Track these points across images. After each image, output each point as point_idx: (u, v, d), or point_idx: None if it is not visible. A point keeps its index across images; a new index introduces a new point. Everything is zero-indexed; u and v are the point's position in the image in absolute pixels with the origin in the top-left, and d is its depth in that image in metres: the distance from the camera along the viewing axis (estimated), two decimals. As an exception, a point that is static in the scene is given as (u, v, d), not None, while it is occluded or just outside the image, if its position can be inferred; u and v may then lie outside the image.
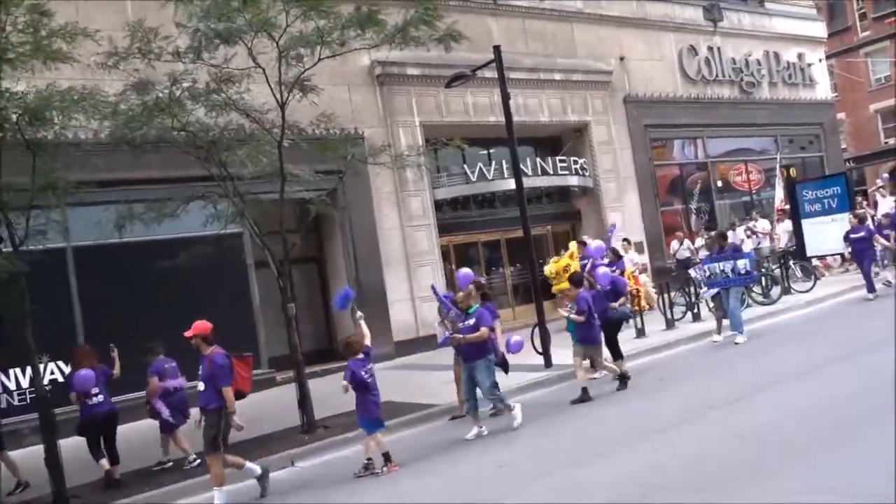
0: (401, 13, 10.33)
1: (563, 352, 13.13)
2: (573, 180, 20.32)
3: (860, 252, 15.00)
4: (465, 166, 18.66)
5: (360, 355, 8.32)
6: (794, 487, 5.44)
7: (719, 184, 24.66)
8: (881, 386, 8.01)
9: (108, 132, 10.17)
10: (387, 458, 8.01)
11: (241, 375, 7.94)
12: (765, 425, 7.30)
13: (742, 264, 12.64)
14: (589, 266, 12.29)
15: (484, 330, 8.96)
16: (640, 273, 17.70)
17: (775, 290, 16.23)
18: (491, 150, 19.78)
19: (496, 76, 13.34)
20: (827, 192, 17.73)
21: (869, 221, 16.45)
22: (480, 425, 8.99)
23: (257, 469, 7.98)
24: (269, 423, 10.91)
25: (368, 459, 8.05)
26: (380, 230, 17.03)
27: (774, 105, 25.83)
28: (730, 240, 18.45)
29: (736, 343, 12.39)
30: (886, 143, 43.85)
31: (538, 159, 19.72)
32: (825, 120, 27.91)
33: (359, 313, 8.95)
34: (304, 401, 10.15)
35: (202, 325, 7.86)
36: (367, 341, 8.56)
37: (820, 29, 28.77)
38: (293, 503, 7.63)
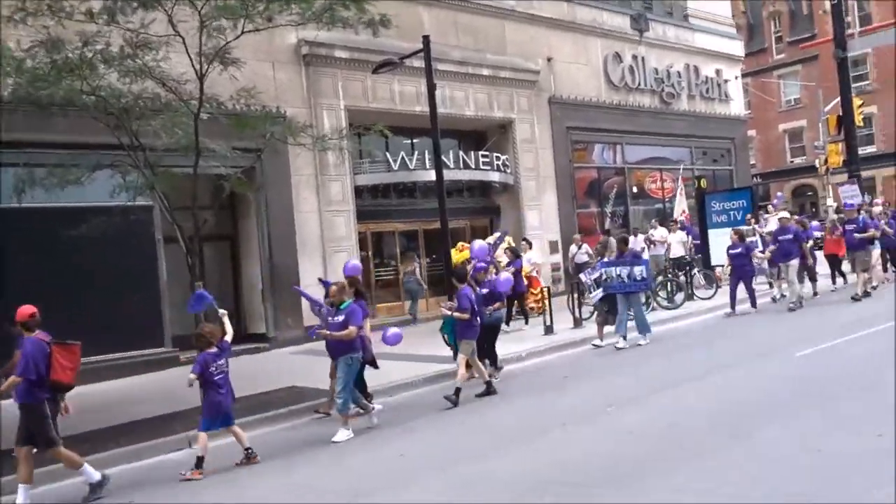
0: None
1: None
2: (494, 176, 20.46)
3: (739, 268, 15.22)
4: (388, 154, 18.53)
5: (214, 349, 7.92)
6: (688, 486, 5.61)
7: (634, 189, 25.28)
8: (771, 390, 8.37)
9: (11, 90, 9.62)
10: (199, 462, 7.60)
11: (60, 364, 7.25)
12: (661, 424, 7.49)
13: (639, 271, 12.65)
14: (471, 268, 11.47)
15: (352, 328, 8.64)
16: (536, 274, 17.70)
17: (679, 296, 16.72)
18: (415, 140, 19.72)
19: (424, 66, 13.28)
20: (733, 205, 18.40)
21: (754, 238, 17.03)
22: (373, 421, 8.86)
23: (95, 476, 7.37)
24: (171, 403, 10.59)
25: (198, 457, 7.68)
26: (297, 213, 16.74)
27: (691, 117, 26.64)
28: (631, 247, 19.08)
29: (639, 344, 12.59)
30: (792, 161, 45.95)
31: (461, 153, 19.76)
32: (737, 135, 28.97)
33: (221, 311, 8.62)
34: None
35: (21, 311, 7.20)
36: (228, 337, 8.20)
37: (738, 48, 29.81)
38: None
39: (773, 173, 45.99)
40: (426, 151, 18.31)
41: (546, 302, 14.62)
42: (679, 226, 20.10)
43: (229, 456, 8.02)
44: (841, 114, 22.37)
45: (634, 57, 24.94)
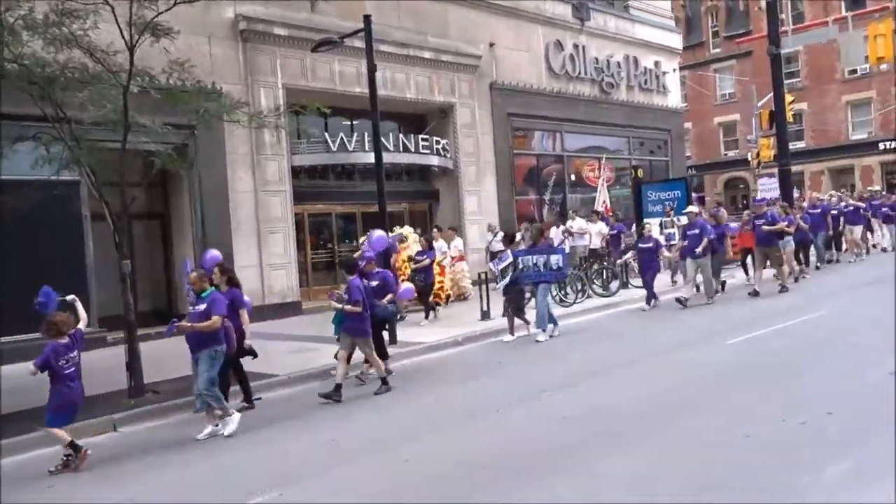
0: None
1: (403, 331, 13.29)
2: (434, 160, 20.40)
3: (646, 262, 15.01)
4: (327, 135, 18.28)
5: (66, 339, 7.32)
6: (611, 469, 5.68)
7: (573, 178, 25.53)
8: (696, 378, 8.55)
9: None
10: (74, 448, 7.15)
11: None
12: (591, 410, 7.58)
13: (555, 260, 12.38)
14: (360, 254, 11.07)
15: (215, 319, 7.98)
16: (457, 262, 17.57)
17: (614, 284, 16.95)
18: (354, 122, 19.52)
19: (365, 47, 13.09)
20: (668, 195, 18.77)
21: (672, 230, 17.12)
22: (216, 423, 8.03)
23: None
24: (96, 384, 10.18)
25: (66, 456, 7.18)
26: (232, 192, 16.40)
27: (629, 108, 27.01)
28: (552, 237, 18.90)
29: (537, 341, 12.02)
30: (726, 154, 47.06)
31: (401, 136, 19.65)
32: (673, 127, 29.52)
33: (69, 297, 8.03)
34: (132, 363, 9.60)
35: None
36: (82, 325, 7.66)
37: (677, 41, 30.32)
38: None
39: (707, 165, 47.03)
40: (366, 133, 18.13)
41: (482, 287, 14.60)
42: (599, 217, 20.15)
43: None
44: (773, 109, 22.92)
45: (575, 46, 25.12)
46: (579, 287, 16.03)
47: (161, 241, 16.96)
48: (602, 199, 21.97)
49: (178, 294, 16.55)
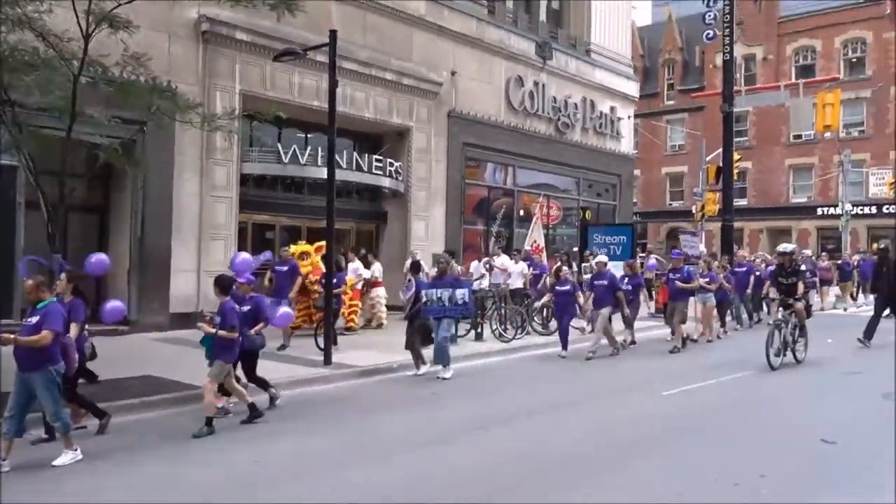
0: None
1: (346, 352, 13.08)
2: (386, 182, 20.31)
3: (562, 306, 14.39)
4: (280, 145, 18.05)
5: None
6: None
7: (521, 213, 25.70)
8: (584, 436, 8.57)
9: None
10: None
11: None
12: (498, 461, 7.52)
13: (461, 294, 11.82)
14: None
15: (46, 333, 6.98)
16: (374, 288, 17.28)
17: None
18: (309, 135, 19.32)
19: (328, 61, 12.98)
20: (614, 240, 19.03)
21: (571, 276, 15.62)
22: (74, 447, 7.21)
23: None
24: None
25: None
26: (176, 193, 16.00)
27: (583, 149, 27.39)
28: (471, 271, 18.47)
29: (442, 378, 11.59)
30: (671, 204, 48.15)
31: (355, 154, 19.52)
32: (624, 172, 30.03)
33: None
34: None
35: None
36: None
37: (634, 89, 30.97)
38: None
39: (651, 213, 48.02)
40: (319, 148, 17.95)
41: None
42: (522, 256, 19.28)
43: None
44: (721, 165, 23.54)
45: (536, 83, 25.43)
46: (519, 323, 16.04)
47: (97, 236, 16.40)
48: (533, 238, 21.16)
49: (111, 292, 16.04)
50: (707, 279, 15.84)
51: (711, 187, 27.13)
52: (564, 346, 14.13)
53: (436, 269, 12.79)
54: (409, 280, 12.88)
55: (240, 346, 8.72)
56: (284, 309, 10.57)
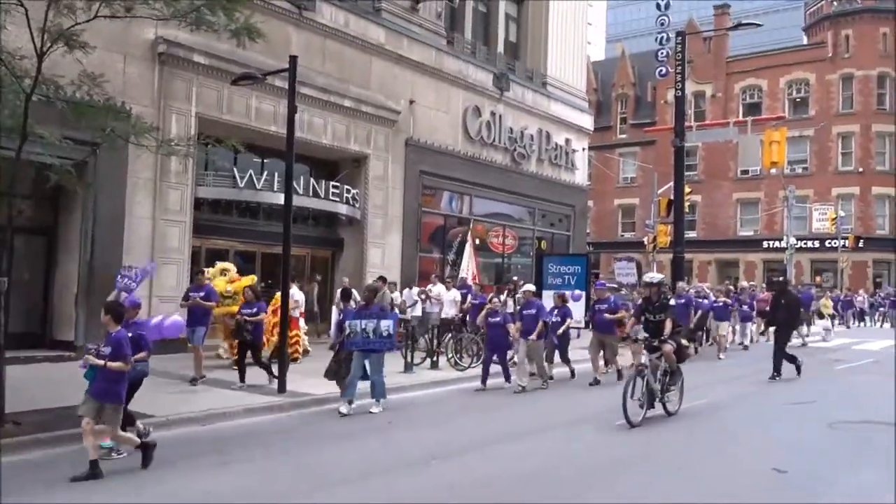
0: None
1: (302, 379, 12.86)
2: (342, 208, 20.21)
3: (493, 338, 13.71)
4: (235, 170, 17.86)
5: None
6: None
7: (477, 241, 25.77)
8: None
9: None
10: None
11: None
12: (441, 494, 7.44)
13: (385, 326, 10.92)
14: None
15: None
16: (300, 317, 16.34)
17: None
18: (265, 160, 19.15)
19: (286, 86, 12.93)
20: (569, 269, 19.15)
21: (506, 308, 15.11)
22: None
23: None
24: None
25: None
26: (128, 216, 15.66)
27: (538, 180, 27.69)
28: (403, 298, 18.23)
29: (371, 412, 10.88)
30: (622, 235, 48.91)
31: (311, 180, 19.40)
32: (578, 203, 30.42)
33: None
34: (-3, 388, 8.83)
35: None
36: None
37: (588, 121, 31.50)
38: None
39: (604, 244, 48.69)
40: (276, 173, 17.81)
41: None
42: (457, 284, 19.16)
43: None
44: (672, 198, 23.97)
45: (493, 114, 25.69)
46: (475, 351, 15.97)
47: (44, 258, 15.95)
48: (470, 268, 20.79)
49: (57, 316, 15.60)
50: (625, 309, 15.46)
51: (663, 219, 27.64)
52: (483, 380, 13.46)
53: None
54: (341, 309, 12.25)
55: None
56: (174, 317, 9.90)
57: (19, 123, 9.12)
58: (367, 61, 21.15)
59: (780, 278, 17.37)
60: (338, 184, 20.11)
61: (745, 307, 22.17)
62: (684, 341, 10.72)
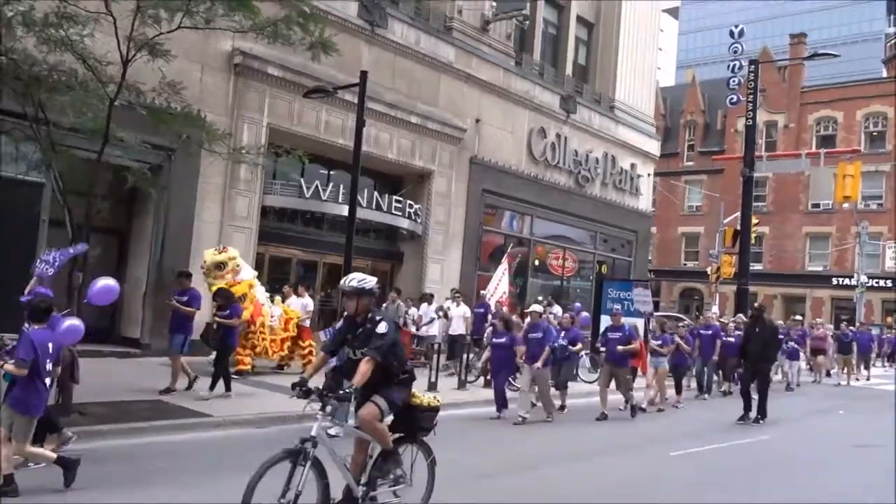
0: (277, 8, 9.98)
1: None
2: (404, 223, 20.42)
3: (500, 360, 12.51)
4: (302, 180, 18.24)
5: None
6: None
7: (536, 262, 25.72)
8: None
9: None
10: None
11: None
12: None
13: None
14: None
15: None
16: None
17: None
18: (332, 172, 19.51)
19: (356, 100, 13.20)
20: (629, 295, 18.88)
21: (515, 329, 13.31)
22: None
23: None
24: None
25: None
26: (197, 221, 16.15)
27: (601, 203, 27.50)
28: (421, 313, 17.18)
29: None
30: (685, 264, 48.05)
31: (375, 193, 19.68)
32: (641, 229, 30.08)
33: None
34: (64, 379, 9.15)
35: None
36: None
37: (655, 147, 31.19)
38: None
39: (666, 272, 47.92)
40: (341, 185, 18.13)
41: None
42: (475, 304, 18.04)
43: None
44: (738, 228, 23.54)
45: (558, 135, 25.66)
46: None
47: (116, 257, 16.52)
48: (502, 290, 18.86)
49: (125, 315, 16.11)
50: (660, 342, 14.65)
51: (728, 250, 27.11)
52: (499, 408, 12.22)
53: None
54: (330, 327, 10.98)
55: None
56: (70, 321, 7.84)
57: (102, 126, 9.54)
58: (435, 79, 21.40)
59: (757, 306, 14.93)
60: (401, 198, 20.35)
61: (791, 344, 20.15)
62: (432, 397, 6.45)
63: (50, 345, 6.67)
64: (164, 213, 15.63)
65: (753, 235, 26.87)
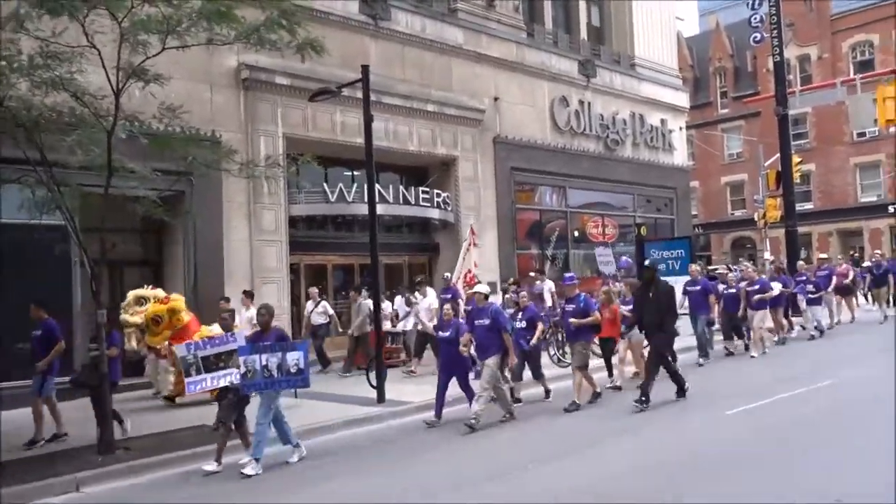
0: (264, 14, 9.78)
1: (399, 387, 12.84)
2: (434, 213, 20.17)
3: (447, 358, 10.76)
4: (326, 185, 18.11)
5: None
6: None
7: (576, 234, 25.25)
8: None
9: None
10: None
11: None
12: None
13: (293, 359, 8.58)
14: None
15: None
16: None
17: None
18: (355, 172, 19.34)
19: (362, 96, 12.96)
20: (672, 254, 18.43)
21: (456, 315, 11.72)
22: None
23: None
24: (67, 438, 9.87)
25: None
26: (227, 241, 16.15)
27: (635, 164, 26.85)
28: (395, 308, 16.12)
29: (243, 474, 8.24)
30: (732, 214, 46.84)
31: (402, 187, 19.46)
32: (679, 185, 29.31)
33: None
34: (102, 417, 9.19)
35: None
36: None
37: (684, 99, 30.31)
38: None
39: (713, 224, 46.82)
40: (365, 185, 17.87)
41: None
42: (441, 289, 16.12)
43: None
44: (780, 170, 22.73)
45: (581, 102, 25.10)
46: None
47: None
48: (467, 268, 17.75)
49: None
50: (630, 307, 12.44)
51: (772, 193, 26.27)
52: (437, 412, 10.50)
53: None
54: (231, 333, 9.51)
55: None
56: None
57: (106, 159, 9.47)
58: (446, 63, 21.06)
59: (647, 263, 12.34)
60: (427, 189, 20.10)
61: (809, 287, 18.06)
62: None
63: None
64: (192, 239, 15.66)
65: (799, 174, 25.97)
